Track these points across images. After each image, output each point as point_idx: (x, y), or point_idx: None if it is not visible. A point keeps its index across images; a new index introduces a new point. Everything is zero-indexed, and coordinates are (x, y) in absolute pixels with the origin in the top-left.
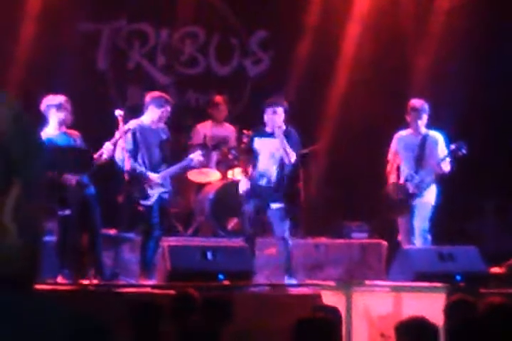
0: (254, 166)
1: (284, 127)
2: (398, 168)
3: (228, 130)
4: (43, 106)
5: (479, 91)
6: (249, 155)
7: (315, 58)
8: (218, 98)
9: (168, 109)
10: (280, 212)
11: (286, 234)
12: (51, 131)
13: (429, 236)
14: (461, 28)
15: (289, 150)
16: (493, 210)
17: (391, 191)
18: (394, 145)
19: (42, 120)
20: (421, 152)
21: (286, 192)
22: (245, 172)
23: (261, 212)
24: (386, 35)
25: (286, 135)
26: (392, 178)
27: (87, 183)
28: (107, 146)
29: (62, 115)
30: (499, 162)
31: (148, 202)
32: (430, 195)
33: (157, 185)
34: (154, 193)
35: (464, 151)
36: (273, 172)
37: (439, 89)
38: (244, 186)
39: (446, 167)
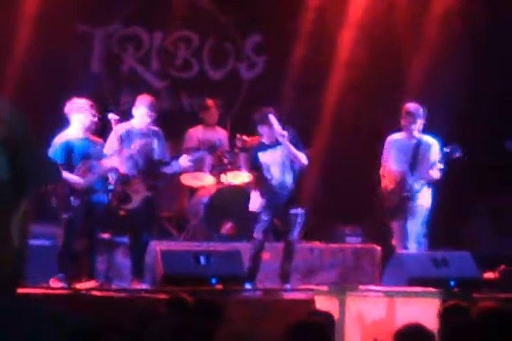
0: (267, 179)
1: (285, 133)
2: (391, 171)
3: (220, 134)
4: (66, 110)
5: (474, 95)
6: (257, 172)
7: (309, 63)
8: (209, 102)
9: (144, 109)
10: (297, 217)
11: (296, 238)
12: (72, 134)
13: (423, 241)
14: (456, 32)
15: (298, 153)
16: (486, 214)
17: (385, 196)
18: (387, 148)
19: (64, 122)
20: (414, 156)
21: (299, 195)
22: (256, 186)
23: (278, 219)
24: (381, 39)
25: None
26: (384, 182)
27: (97, 189)
28: (118, 161)
29: (85, 119)
30: (492, 165)
31: (131, 207)
32: (424, 199)
33: (142, 189)
34: (138, 197)
35: (457, 154)
36: (289, 180)
37: (433, 94)
38: (257, 202)
39: (435, 174)
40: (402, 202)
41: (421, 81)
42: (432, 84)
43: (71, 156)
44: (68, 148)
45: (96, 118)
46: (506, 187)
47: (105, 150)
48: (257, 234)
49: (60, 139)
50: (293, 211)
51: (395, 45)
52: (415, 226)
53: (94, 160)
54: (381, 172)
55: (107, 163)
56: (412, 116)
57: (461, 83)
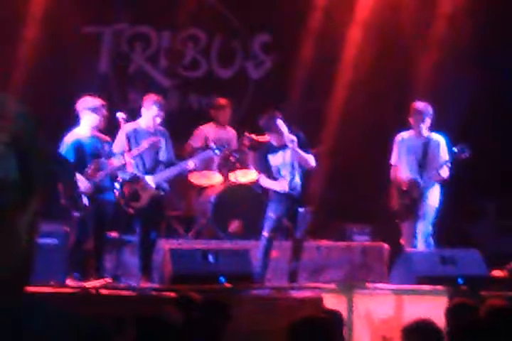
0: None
1: (294, 139)
2: (401, 172)
3: (230, 133)
4: (78, 107)
5: (481, 94)
6: (266, 173)
7: (317, 61)
8: (223, 101)
9: (156, 109)
10: (304, 215)
11: (304, 236)
12: (82, 132)
13: (431, 240)
14: (464, 32)
15: (306, 155)
16: (494, 212)
17: (396, 197)
18: (396, 147)
19: (73, 120)
20: (424, 155)
21: (307, 194)
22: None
23: (288, 217)
24: (388, 38)
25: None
26: (395, 183)
27: (107, 188)
28: (128, 159)
29: (95, 119)
30: (499, 163)
31: (139, 205)
32: (434, 198)
33: (150, 187)
34: (146, 196)
35: (466, 154)
36: (299, 180)
37: (441, 92)
38: (282, 186)
39: (444, 173)
40: (413, 203)
41: (429, 79)
42: (439, 82)
43: (82, 155)
44: (79, 147)
45: (105, 118)
46: None
47: (113, 149)
48: (265, 232)
49: (69, 138)
50: (301, 209)
51: (403, 43)
52: (424, 226)
53: (104, 159)
54: (391, 172)
55: (116, 161)
56: (421, 114)
57: (468, 82)
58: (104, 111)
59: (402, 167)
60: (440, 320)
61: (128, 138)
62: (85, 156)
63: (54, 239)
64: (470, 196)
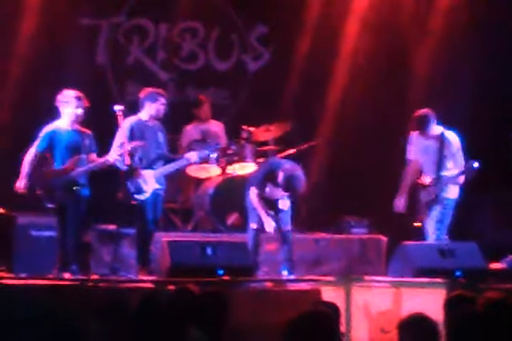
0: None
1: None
2: (419, 167)
3: (215, 127)
4: (56, 101)
5: (481, 86)
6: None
7: (315, 53)
8: (201, 98)
9: (163, 100)
10: (290, 207)
11: (290, 227)
12: (63, 125)
13: (446, 236)
14: (462, 25)
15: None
16: (492, 205)
17: (415, 195)
18: (413, 146)
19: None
20: (440, 154)
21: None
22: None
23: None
24: (385, 29)
25: None
26: (415, 180)
27: (83, 184)
28: (112, 155)
29: (74, 111)
30: (498, 156)
31: (142, 197)
32: (453, 190)
33: (152, 181)
34: (149, 189)
35: (475, 167)
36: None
37: (438, 85)
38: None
39: (460, 180)
40: (433, 200)
41: (426, 72)
42: (438, 74)
43: (54, 145)
44: (52, 138)
45: (82, 111)
46: (509, 181)
47: (115, 142)
48: (253, 224)
49: (47, 128)
50: (282, 201)
51: (401, 36)
52: (445, 219)
53: (83, 154)
54: (409, 167)
55: (111, 155)
56: (426, 124)
57: (465, 75)
58: (82, 103)
59: (420, 164)
60: (438, 313)
61: (132, 130)
62: (59, 148)
63: (53, 231)
64: (468, 189)
